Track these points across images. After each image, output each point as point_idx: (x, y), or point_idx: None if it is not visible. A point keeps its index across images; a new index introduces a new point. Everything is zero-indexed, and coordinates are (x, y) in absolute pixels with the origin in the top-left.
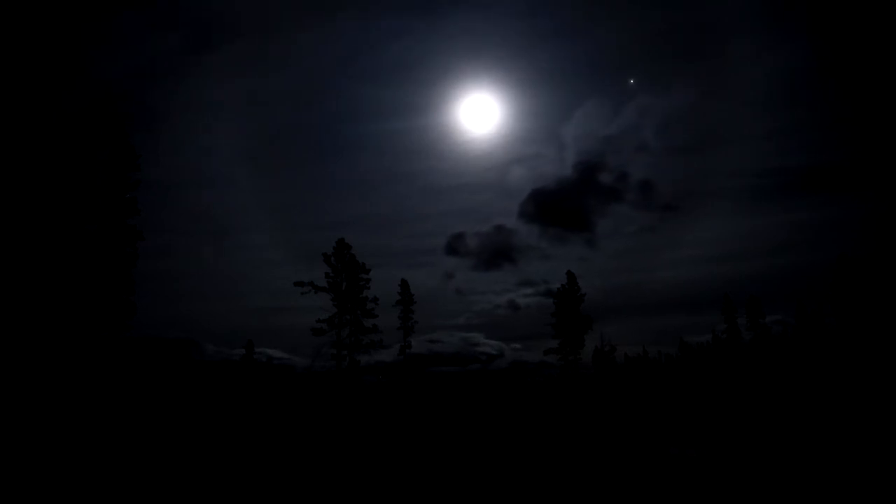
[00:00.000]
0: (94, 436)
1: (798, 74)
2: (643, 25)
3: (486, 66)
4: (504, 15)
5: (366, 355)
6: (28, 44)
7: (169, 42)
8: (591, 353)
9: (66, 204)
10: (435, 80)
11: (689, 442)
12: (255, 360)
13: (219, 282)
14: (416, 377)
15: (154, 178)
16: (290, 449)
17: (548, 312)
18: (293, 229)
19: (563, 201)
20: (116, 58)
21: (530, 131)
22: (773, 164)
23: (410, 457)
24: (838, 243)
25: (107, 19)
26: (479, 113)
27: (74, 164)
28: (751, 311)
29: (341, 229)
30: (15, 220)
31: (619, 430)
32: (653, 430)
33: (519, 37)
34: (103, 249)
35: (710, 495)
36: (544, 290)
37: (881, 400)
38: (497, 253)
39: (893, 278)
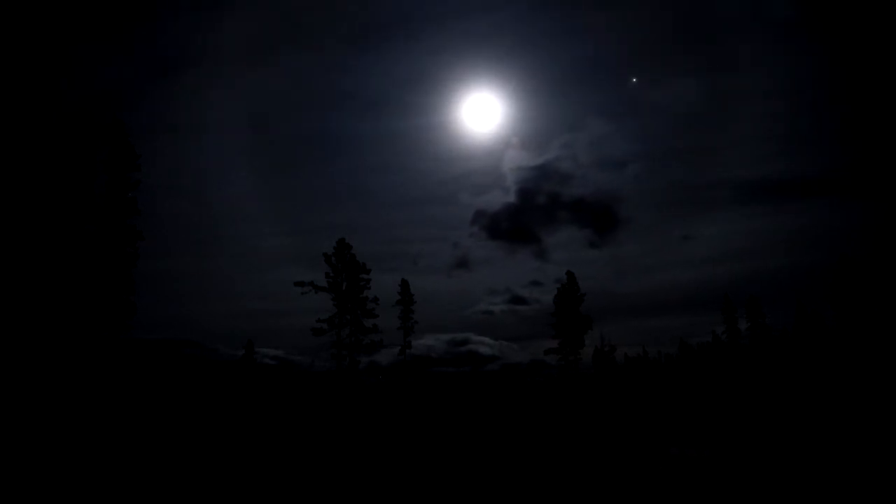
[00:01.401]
0: (96, 434)
1: (797, 79)
2: (642, 27)
3: (466, 75)
4: (507, 16)
5: (366, 356)
6: (27, 46)
7: (167, 45)
8: (591, 353)
9: (66, 204)
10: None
11: (689, 442)
12: (254, 360)
13: (221, 284)
14: (416, 377)
15: (156, 183)
16: (292, 448)
17: (521, 316)
18: (294, 231)
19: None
20: (120, 65)
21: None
22: (772, 170)
23: (413, 457)
24: (834, 248)
25: (110, 31)
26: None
27: (74, 164)
28: (750, 311)
29: (339, 231)
30: (15, 221)
31: (619, 430)
32: (653, 430)
33: (510, 40)
34: (103, 249)
35: (710, 495)
36: (510, 298)
37: (881, 399)
38: (461, 261)
39: (893, 279)
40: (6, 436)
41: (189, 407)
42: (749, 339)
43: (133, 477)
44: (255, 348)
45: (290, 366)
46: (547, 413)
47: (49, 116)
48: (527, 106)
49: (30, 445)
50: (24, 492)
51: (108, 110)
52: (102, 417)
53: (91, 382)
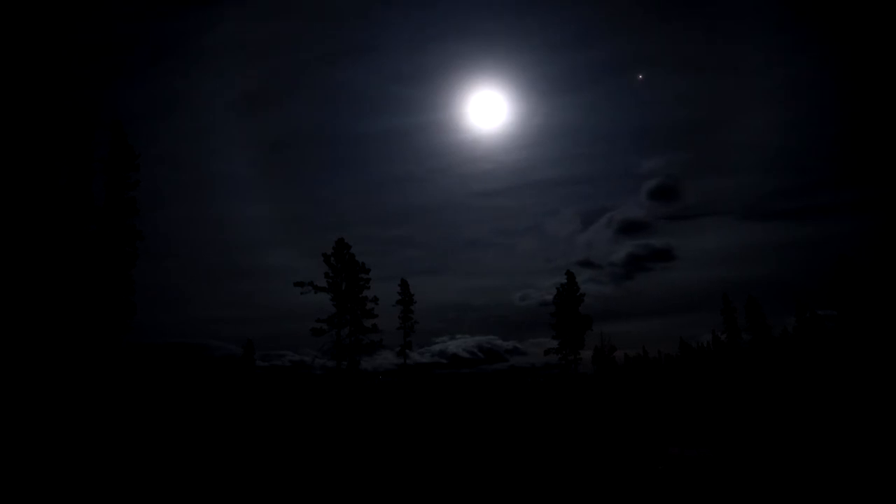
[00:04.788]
0: (97, 433)
1: (799, 90)
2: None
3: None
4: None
5: (366, 355)
6: (29, 46)
7: (172, 42)
8: (591, 353)
9: (67, 204)
10: None
11: (689, 442)
12: (254, 360)
13: (221, 285)
14: (415, 377)
15: (161, 186)
16: (292, 447)
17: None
18: (299, 231)
19: None
20: (130, 68)
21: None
22: (770, 180)
23: (412, 458)
24: (831, 254)
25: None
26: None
27: (74, 164)
28: (750, 312)
29: (340, 229)
30: (15, 221)
31: (619, 430)
32: (653, 430)
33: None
34: (103, 249)
35: (710, 495)
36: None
37: (881, 399)
38: None
39: (892, 279)
40: (8, 435)
41: (190, 407)
42: (749, 339)
43: (135, 476)
44: (256, 349)
45: (289, 366)
46: (547, 412)
47: (48, 116)
48: (529, 106)
49: (32, 445)
50: (26, 492)
51: (111, 112)
52: (103, 417)
53: (92, 382)
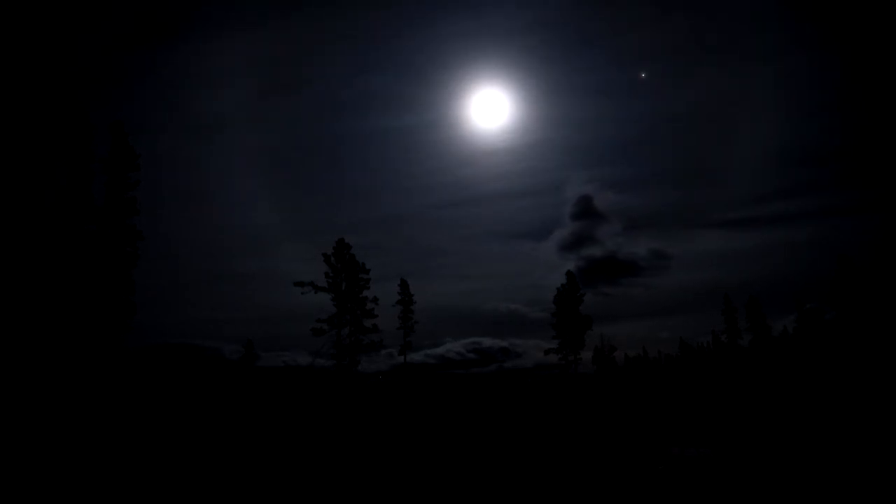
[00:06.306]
0: (97, 434)
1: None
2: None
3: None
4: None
5: (365, 355)
6: (31, 46)
7: (176, 42)
8: (590, 354)
9: (67, 204)
10: None
11: (689, 442)
12: (254, 360)
13: (220, 286)
14: (417, 378)
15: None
16: (291, 447)
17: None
18: (297, 232)
19: None
20: (132, 69)
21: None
22: (772, 181)
23: (410, 458)
24: (829, 256)
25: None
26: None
27: (75, 164)
28: (751, 312)
29: (341, 231)
30: (16, 221)
31: (619, 430)
32: (653, 430)
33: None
34: (104, 249)
35: (711, 495)
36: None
37: (881, 399)
38: None
39: (892, 279)
40: (8, 435)
41: (189, 407)
42: (749, 339)
43: (135, 477)
44: (255, 349)
45: (290, 366)
46: (547, 412)
47: (49, 117)
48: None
49: (31, 445)
50: (27, 493)
51: (110, 110)
52: (103, 418)
53: (92, 382)
